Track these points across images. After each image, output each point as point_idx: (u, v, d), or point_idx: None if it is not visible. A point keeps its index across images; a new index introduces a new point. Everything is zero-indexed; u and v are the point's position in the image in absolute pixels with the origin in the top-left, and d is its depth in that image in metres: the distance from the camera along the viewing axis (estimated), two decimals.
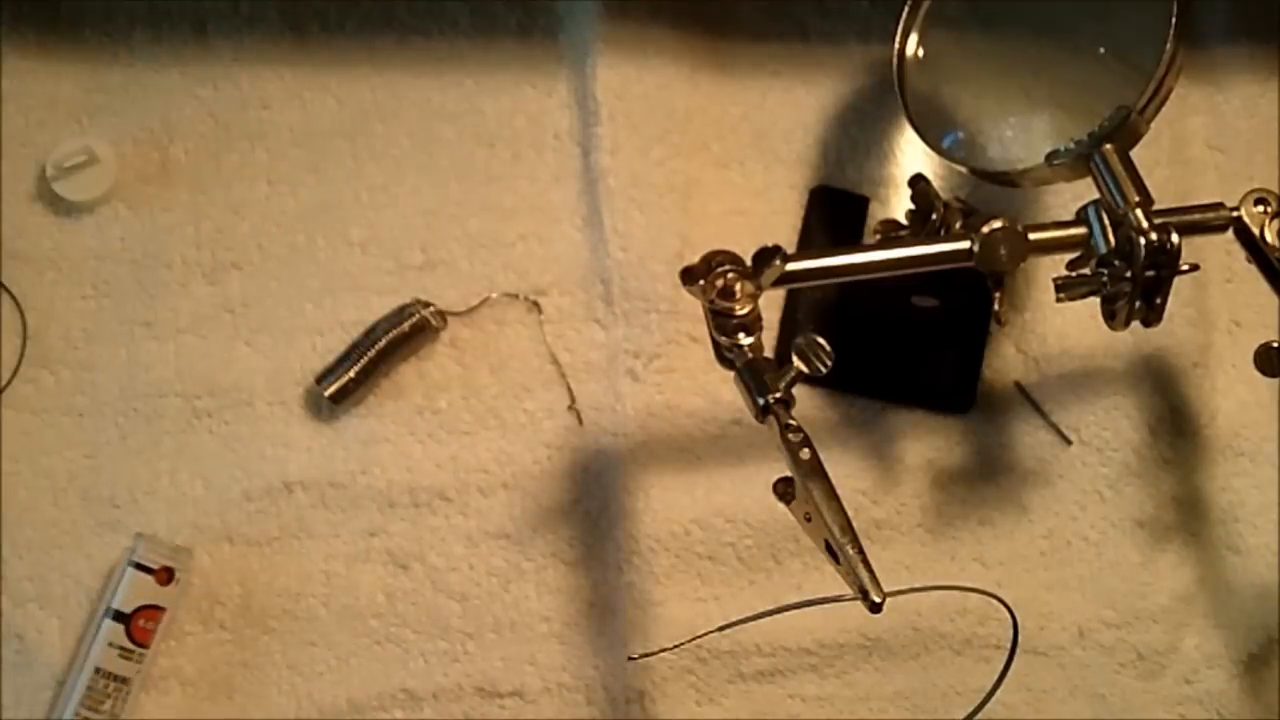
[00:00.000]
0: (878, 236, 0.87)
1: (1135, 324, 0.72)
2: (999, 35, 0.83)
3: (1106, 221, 0.71)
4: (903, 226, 0.85)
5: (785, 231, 0.92)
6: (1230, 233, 0.75)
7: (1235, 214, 0.75)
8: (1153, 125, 0.74)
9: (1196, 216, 0.75)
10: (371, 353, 0.85)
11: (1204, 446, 0.90)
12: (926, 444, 0.89)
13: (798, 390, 0.66)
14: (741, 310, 0.66)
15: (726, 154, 0.92)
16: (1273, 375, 0.72)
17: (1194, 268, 0.72)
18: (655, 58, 0.91)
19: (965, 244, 0.71)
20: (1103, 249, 0.71)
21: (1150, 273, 0.70)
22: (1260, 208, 0.75)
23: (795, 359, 0.65)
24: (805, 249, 0.90)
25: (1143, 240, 0.69)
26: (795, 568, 0.86)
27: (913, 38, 0.82)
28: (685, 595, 0.85)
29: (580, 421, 0.87)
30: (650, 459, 0.86)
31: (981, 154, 0.81)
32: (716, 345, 0.68)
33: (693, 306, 0.73)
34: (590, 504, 0.87)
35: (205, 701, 0.82)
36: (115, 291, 0.87)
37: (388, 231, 0.89)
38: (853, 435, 0.89)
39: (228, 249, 0.88)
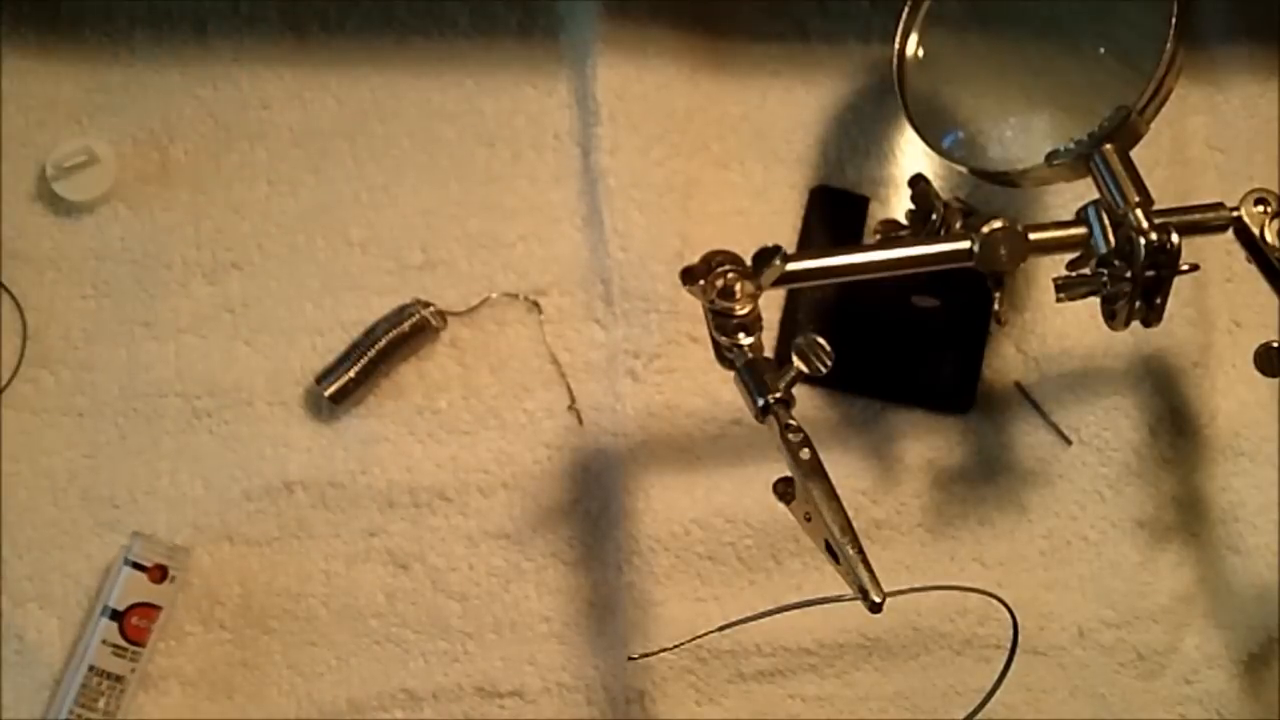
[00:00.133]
0: (878, 236, 0.87)
1: (1135, 324, 0.72)
2: (999, 35, 0.83)
3: (1106, 221, 0.71)
4: (903, 226, 0.85)
5: (785, 231, 0.92)
6: (1230, 233, 0.75)
7: (1235, 214, 0.75)
8: (1153, 125, 0.74)
9: (1196, 216, 0.75)
10: (371, 353, 0.85)
11: (1204, 446, 0.90)
12: (926, 444, 0.89)
13: (798, 390, 0.66)
14: (741, 310, 0.66)
15: (726, 154, 0.92)
16: (1273, 375, 0.72)
17: (1194, 268, 0.72)
18: (655, 58, 0.91)
19: (965, 244, 0.71)
20: (1103, 249, 0.71)
21: (1150, 273, 0.70)
22: (1260, 208, 0.75)
23: (795, 359, 0.65)
24: (805, 249, 0.90)
25: (1143, 240, 0.69)
26: (795, 568, 0.86)
27: (913, 38, 0.82)
28: (685, 595, 0.85)
29: (580, 421, 0.87)
30: (650, 459, 0.86)
31: (981, 154, 0.81)
32: (716, 345, 0.68)
33: (693, 306, 0.73)
34: (590, 504, 0.87)
35: (205, 701, 0.82)
36: (115, 291, 0.87)
37: (388, 231, 0.89)
38: (853, 435, 0.89)
39: (228, 249, 0.88)
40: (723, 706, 0.85)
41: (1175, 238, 0.69)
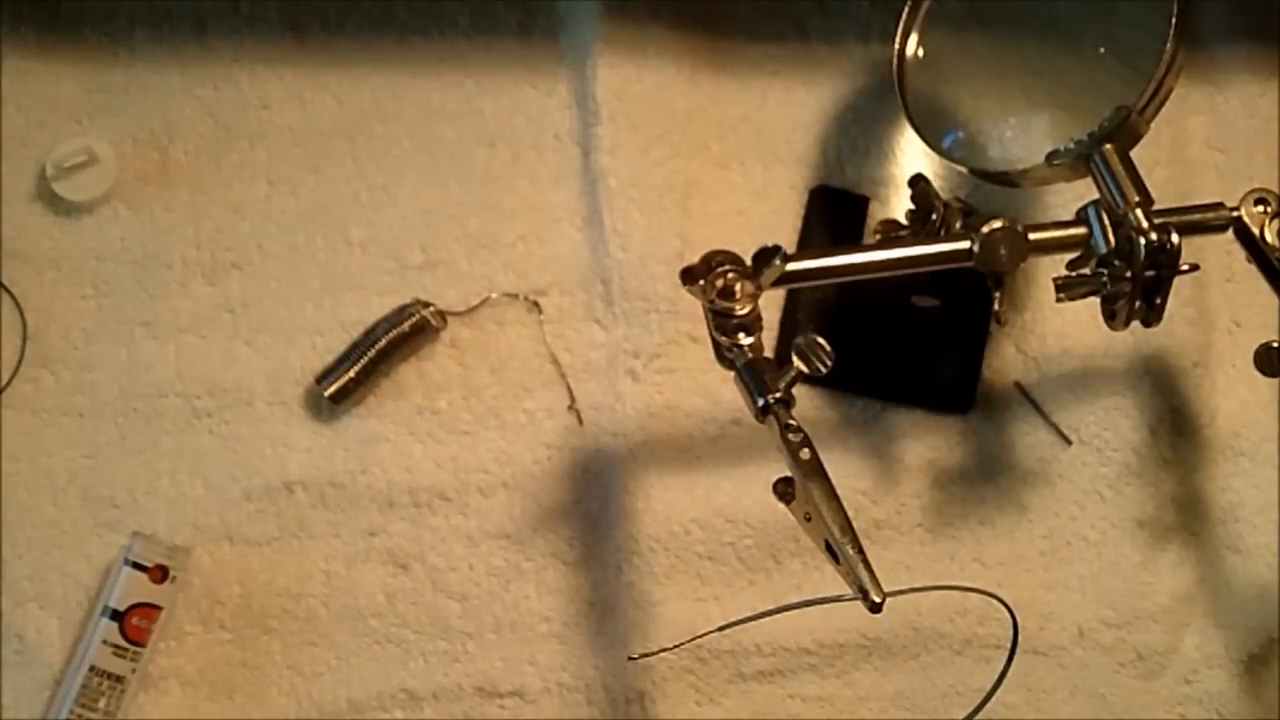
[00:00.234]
0: (878, 236, 0.87)
1: (1135, 324, 0.72)
2: (999, 35, 0.83)
3: (1106, 221, 0.71)
4: (903, 226, 0.85)
5: (785, 231, 0.92)
6: (1230, 233, 0.75)
7: (1235, 214, 0.75)
8: (1153, 125, 0.74)
9: (1196, 216, 0.75)
10: (371, 353, 0.85)
11: (1204, 446, 0.90)
12: (926, 444, 0.89)
13: (798, 390, 0.66)
14: (741, 310, 0.66)
15: (726, 154, 0.92)
16: (1273, 375, 0.72)
17: (1194, 268, 0.72)
18: (655, 58, 0.91)
19: (965, 244, 0.71)
20: (1103, 249, 0.71)
21: (1150, 273, 0.70)
22: (1260, 208, 0.75)
23: (795, 359, 0.65)
24: (805, 249, 0.90)
25: (1143, 240, 0.69)
26: (795, 568, 0.86)
27: (913, 38, 0.82)
28: (685, 595, 0.85)
29: (580, 421, 0.87)
30: (650, 459, 0.86)
31: (981, 154, 0.81)
32: (716, 345, 0.68)
33: (693, 306, 0.73)
34: (590, 504, 0.87)
35: (205, 701, 0.82)
36: (115, 291, 0.87)
37: (388, 231, 0.89)
38: (853, 435, 0.89)
39: (228, 249, 0.88)
40: (723, 706, 0.85)
41: (1175, 238, 0.69)
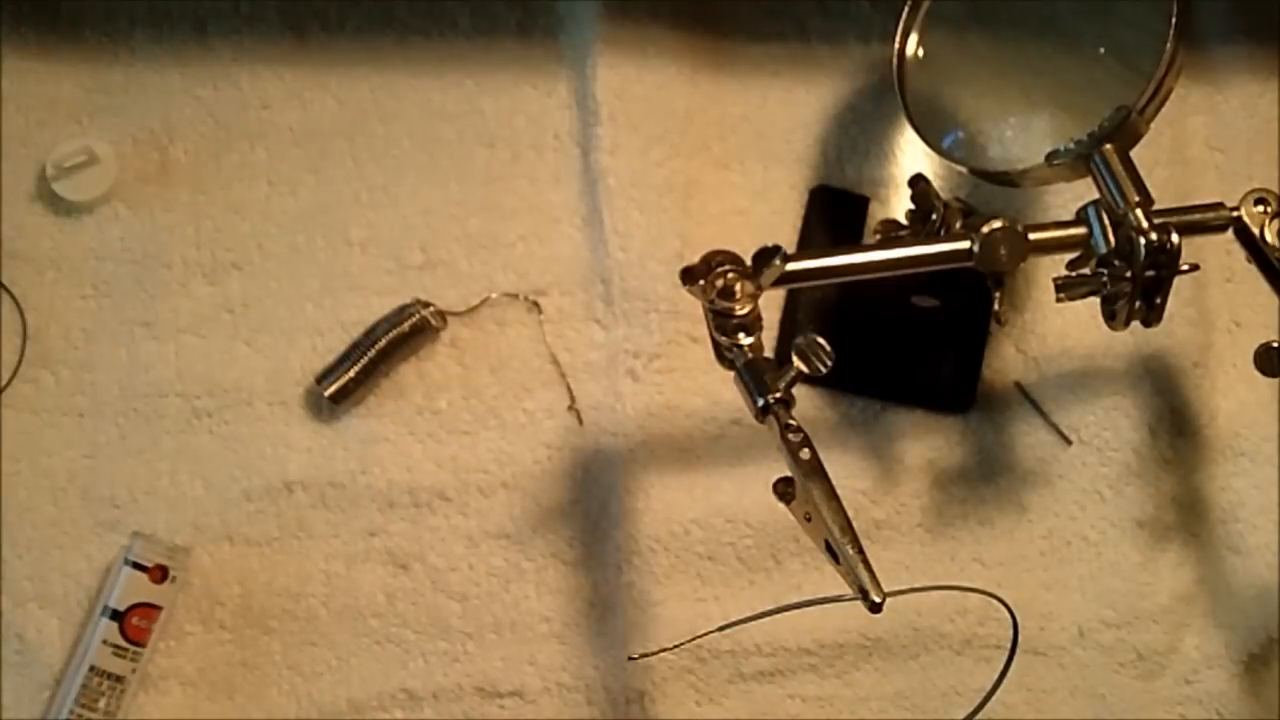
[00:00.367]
0: (878, 236, 0.87)
1: (1135, 324, 0.72)
2: (999, 35, 0.83)
3: (1106, 221, 0.71)
4: (903, 226, 0.85)
5: (785, 231, 0.92)
6: (1230, 233, 0.75)
7: (1235, 214, 0.75)
8: (1153, 125, 0.74)
9: (1196, 216, 0.75)
10: (371, 353, 0.85)
11: (1204, 446, 0.90)
12: (926, 444, 0.89)
13: (798, 390, 0.66)
14: (741, 310, 0.66)
15: (726, 154, 0.92)
16: (1273, 375, 0.72)
17: (1194, 268, 0.72)
18: (655, 58, 0.91)
19: (965, 244, 0.71)
20: (1103, 249, 0.71)
21: (1150, 273, 0.70)
22: (1260, 208, 0.75)
23: (795, 359, 0.65)
24: (805, 249, 0.90)
25: (1143, 240, 0.69)
26: (795, 568, 0.86)
27: (913, 38, 0.82)
28: (685, 595, 0.85)
29: (580, 421, 0.87)
30: (650, 459, 0.86)
31: (981, 154, 0.81)
32: (716, 345, 0.68)
33: (693, 306, 0.73)
34: (590, 504, 0.87)
35: (205, 701, 0.82)
36: (115, 291, 0.87)
37: (388, 231, 0.89)
38: (853, 435, 0.89)
39: (228, 249, 0.88)
40: (723, 706, 0.85)
41: (1175, 238, 0.69)
